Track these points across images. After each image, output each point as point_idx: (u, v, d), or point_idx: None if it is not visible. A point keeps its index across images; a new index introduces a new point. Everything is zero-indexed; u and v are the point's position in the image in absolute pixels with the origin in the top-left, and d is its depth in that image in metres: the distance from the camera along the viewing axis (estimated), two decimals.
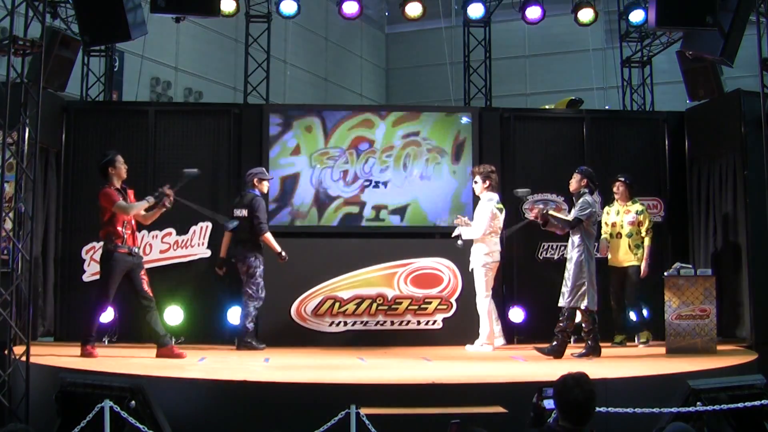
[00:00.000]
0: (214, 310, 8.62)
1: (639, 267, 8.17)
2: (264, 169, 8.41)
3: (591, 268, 7.25)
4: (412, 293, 8.58)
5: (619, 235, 8.27)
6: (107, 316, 8.39)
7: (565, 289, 7.28)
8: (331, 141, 9.01)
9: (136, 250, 7.21)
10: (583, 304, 7.19)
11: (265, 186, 8.19)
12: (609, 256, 8.39)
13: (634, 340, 8.46)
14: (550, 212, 7.48)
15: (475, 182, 8.09)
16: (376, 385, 5.59)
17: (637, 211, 8.25)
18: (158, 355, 7.07)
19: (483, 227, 7.88)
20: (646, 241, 8.20)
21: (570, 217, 7.39)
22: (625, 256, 8.23)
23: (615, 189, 8.39)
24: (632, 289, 8.20)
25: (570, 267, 7.30)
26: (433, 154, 9.05)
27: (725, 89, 9.19)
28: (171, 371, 6.03)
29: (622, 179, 8.35)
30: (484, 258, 7.90)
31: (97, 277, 8.50)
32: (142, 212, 7.26)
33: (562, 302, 7.28)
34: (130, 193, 7.33)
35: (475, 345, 7.96)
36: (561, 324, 7.26)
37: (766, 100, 7.47)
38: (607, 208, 8.45)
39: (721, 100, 9.02)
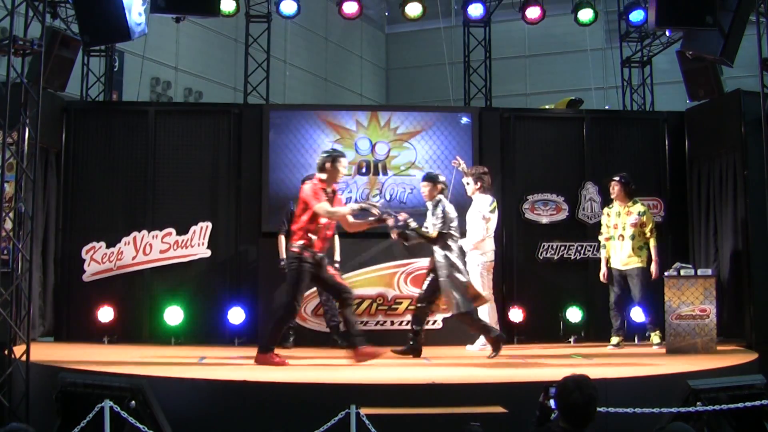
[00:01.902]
0: (214, 310, 8.63)
1: (643, 269, 7.95)
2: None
3: (461, 270, 7.12)
4: (412, 293, 8.56)
5: (621, 237, 8.06)
6: (107, 315, 8.42)
7: (453, 300, 7.06)
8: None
9: (320, 255, 6.60)
10: (458, 310, 7.05)
11: None
12: (610, 258, 8.18)
13: (634, 340, 8.47)
14: (409, 229, 7.04)
15: (467, 184, 8.05)
16: (376, 385, 5.59)
17: (639, 212, 8.02)
18: (357, 358, 6.59)
19: (479, 235, 7.84)
20: (652, 242, 7.97)
21: (433, 231, 7.11)
22: (629, 259, 8.00)
23: (611, 189, 8.16)
24: (639, 289, 7.94)
25: (441, 274, 7.09)
26: None
27: (725, 89, 9.18)
28: (171, 371, 6.03)
29: (617, 179, 8.11)
30: (480, 258, 7.88)
31: (97, 277, 8.60)
32: (350, 219, 6.65)
33: (455, 311, 7.11)
34: (339, 199, 6.84)
35: (476, 345, 7.96)
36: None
37: (766, 100, 7.49)
38: (606, 209, 8.29)
39: (721, 100, 9.02)
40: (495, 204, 7.98)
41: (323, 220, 6.51)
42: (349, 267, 8.46)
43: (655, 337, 8.00)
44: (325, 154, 6.71)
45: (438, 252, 7.12)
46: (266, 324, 6.80)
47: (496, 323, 7.98)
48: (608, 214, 8.24)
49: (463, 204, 8.06)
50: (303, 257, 6.46)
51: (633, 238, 8.01)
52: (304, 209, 6.51)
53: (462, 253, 7.40)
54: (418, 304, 7.36)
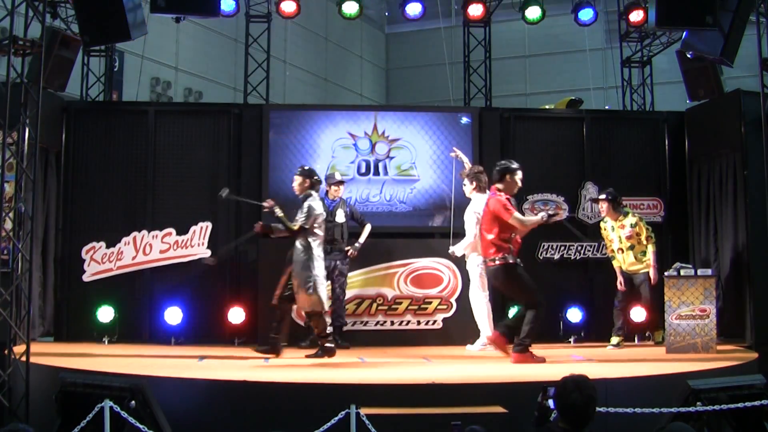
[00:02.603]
0: (214, 310, 8.63)
1: (648, 273, 8.03)
2: (332, 173, 8.47)
3: (316, 272, 7.09)
4: (412, 293, 8.58)
5: (620, 250, 8.16)
6: (107, 315, 8.42)
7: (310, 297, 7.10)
8: None
9: (519, 261, 6.92)
10: (308, 309, 7.10)
11: (333, 190, 8.29)
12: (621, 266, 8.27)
13: (634, 340, 8.48)
14: (272, 224, 7.18)
15: (464, 185, 8.07)
16: (376, 385, 5.59)
17: (630, 224, 8.08)
18: (516, 360, 6.73)
19: (468, 241, 7.86)
20: (650, 248, 8.03)
21: (296, 224, 7.08)
22: (633, 266, 8.12)
23: (599, 208, 8.27)
24: (647, 295, 8.05)
25: (296, 271, 7.14)
26: None
27: (725, 89, 9.18)
28: (171, 371, 6.03)
29: (603, 197, 8.18)
30: (479, 258, 7.88)
31: (97, 277, 8.59)
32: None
33: (309, 308, 7.12)
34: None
35: (476, 345, 7.96)
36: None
37: (766, 100, 7.48)
38: (602, 224, 8.35)
39: (721, 100, 9.02)
40: None
41: (515, 230, 6.78)
42: (349, 267, 8.45)
43: (656, 336, 8.14)
44: (504, 166, 6.97)
45: (297, 247, 7.15)
46: (528, 324, 6.84)
47: (491, 322, 7.97)
48: (605, 229, 8.32)
49: (459, 200, 8.10)
50: (510, 265, 6.78)
51: (632, 248, 8.11)
52: (494, 222, 6.80)
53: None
54: (279, 301, 7.40)
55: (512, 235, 6.79)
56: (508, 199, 6.84)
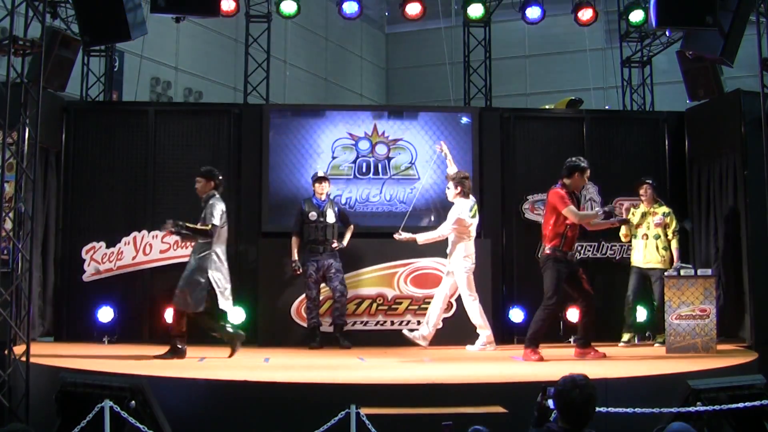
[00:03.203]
0: None
1: (663, 272, 7.99)
2: (317, 171, 8.52)
3: (210, 273, 6.98)
4: (412, 293, 8.58)
5: (645, 236, 8.22)
6: (107, 315, 8.42)
7: (184, 296, 7.02)
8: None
9: (571, 254, 7.00)
10: (181, 307, 7.04)
11: (317, 188, 8.27)
12: (632, 257, 8.35)
13: (648, 338, 8.50)
14: (179, 223, 7.00)
15: (448, 188, 8.06)
16: (376, 385, 5.59)
17: (664, 213, 8.23)
18: (582, 357, 7.06)
19: (439, 234, 7.86)
20: (674, 244, 8.18)
21: (207, 225, 6.99)
22: (651, 257, 8.18)
23: (642, 192, 8.34)
24: (661, 293, 7.95)
25: (188, 269, 7.08)
26: None
27: (725, 89, 9.19)
28: (171, 371, 6.03)
29: (650, 182, 8.34)
30: (464, 262, 7.86)
31: (97, 277, 8.61)
32: (593, 221, 7.21)
33: (183, 307, 7.06)
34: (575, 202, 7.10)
35: (476, 345, 7.96)
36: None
37: (766, 100, 7.48)
38: (633, 210, 8.46)
39: (721, 100, 9.02)
40: (476, 208, 7.98)
41: (569, 223, 6.86)
42: (349, 267, 8.46)
43: (660, 337, 8.09)
44: (574, 164, 7.05)
45: (198, 243, 7.09)
46: (534, 322, 6.98)
47: (486, 320, 7.97)
48: (633, 214, 8.42)
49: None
50: (556, 257, 6.88)
51: (657, 237, 8.19)
52: (551, 214, 6.96)
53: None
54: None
55: (565, 229, 6.87)
56: (567, 193, 6.95)
